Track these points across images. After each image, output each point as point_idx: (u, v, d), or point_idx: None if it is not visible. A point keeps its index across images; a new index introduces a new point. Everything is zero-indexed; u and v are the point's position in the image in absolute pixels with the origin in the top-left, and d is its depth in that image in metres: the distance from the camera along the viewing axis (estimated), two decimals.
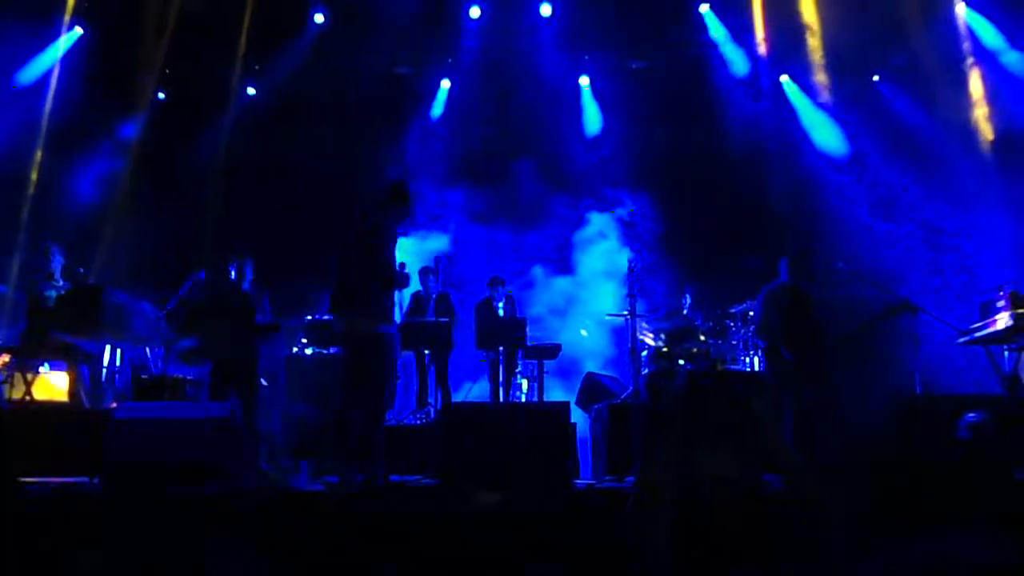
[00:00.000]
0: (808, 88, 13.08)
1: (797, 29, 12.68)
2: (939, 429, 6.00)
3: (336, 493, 6.42)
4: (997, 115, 11.73)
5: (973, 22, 12.11)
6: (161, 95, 13.18)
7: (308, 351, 9.81)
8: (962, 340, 8.35)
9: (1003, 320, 7.77)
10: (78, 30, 12.21)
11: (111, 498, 5.93)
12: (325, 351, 9.69)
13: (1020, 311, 7.65)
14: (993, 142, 11.61)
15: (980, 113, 11.86)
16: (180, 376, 8.41)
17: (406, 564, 5.66)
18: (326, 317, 9.99)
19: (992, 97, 11.83)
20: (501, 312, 10.25)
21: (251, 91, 13.54)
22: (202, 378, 8.52)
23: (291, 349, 9.86)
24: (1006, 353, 8.34)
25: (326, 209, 12.58)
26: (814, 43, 12.65)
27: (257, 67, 13.39)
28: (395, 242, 6.71)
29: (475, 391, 10.83)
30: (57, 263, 8.77)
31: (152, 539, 5.32)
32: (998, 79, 11.79)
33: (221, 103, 13.16)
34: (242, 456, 7.11)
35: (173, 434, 6.37)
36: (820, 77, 12.74)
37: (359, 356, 6.57)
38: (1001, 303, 7.91)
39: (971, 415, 5.52)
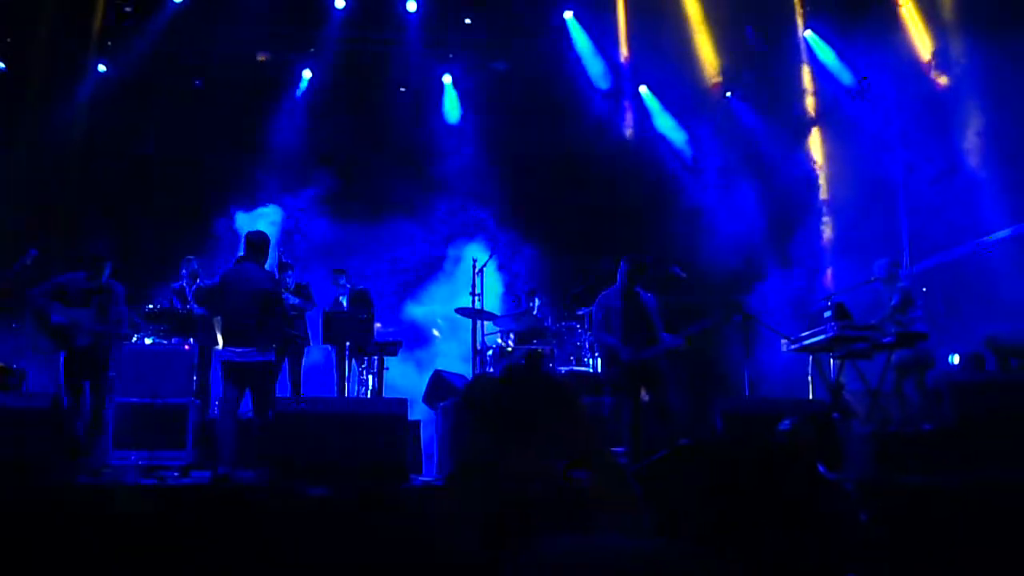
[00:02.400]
0: (664, 98, 13.48)
1: (656, 43, 13.06)
2: (760, 433, 6.26)
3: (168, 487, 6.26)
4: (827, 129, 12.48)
5: (815, 45, 12.79)
6: (1, 65, 12.47)
7: (148, 340, 9.48)
8: (790, 348, 8.73)
9: (829, 330, 8.14)
10: None
11: None
12: (165, 342, 9.39)
13: (843, 321, 8.03)
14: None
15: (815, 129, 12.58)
16: (1, 365, 8.00)
17: (232, 557, 5.56)
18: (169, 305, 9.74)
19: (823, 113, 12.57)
20: (344, 305, 10.16)
21: (101, 68, 12.96)
22: (23, 368, 8.16)
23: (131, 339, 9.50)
24: (831, 361, 8.75)
25: (177, 194, 12.26)
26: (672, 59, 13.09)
27: (109, 43, 12.85)
28: None
29: None
30: None
31: None
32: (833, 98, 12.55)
33: (70, 79, 12.58)
34: (67, 449, 6.85)
35: None
36: (674, 90, 13.20)
37: None
38: (828, 313, 8.30)
39: (787, 420, 5.76)
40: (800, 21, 13.02)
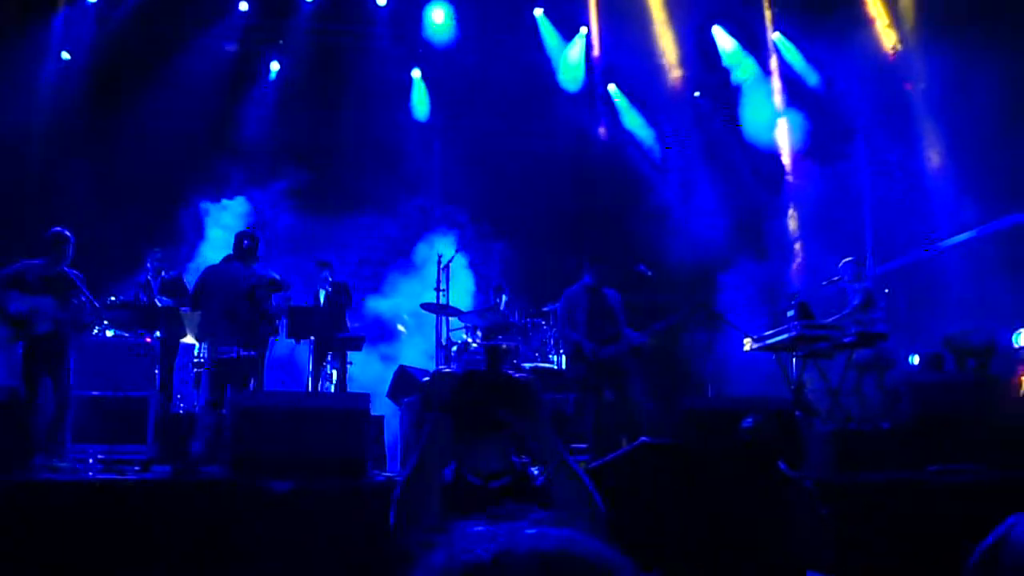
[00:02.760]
0: (633, 96, 13.55)
1: (626, 43, 13.14)
2: (723, 430, 6.30)
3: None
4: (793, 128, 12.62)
5: (783, 48, 12.92)
6: None
7: (109, 333, 9.36)
8: (752, 346, 8.80)
9: (791, 329, 8.22)
10: None
11: None
12: (127, 335, 9.27)
13: (805, 321, 8.12)
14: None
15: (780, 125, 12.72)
16: None
17: (189, 554, 5.52)
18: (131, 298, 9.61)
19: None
20: (322, 299, 10.07)
21: (65, 55, 12.78)
22: None
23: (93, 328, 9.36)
24: (794, 360, 8.83)
25: (140, 185, 12.11)
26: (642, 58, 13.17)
27: (73, 32, 12.67)
28: None
29: None
30: None
31: None
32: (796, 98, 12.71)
33: (32, 67, 12.40)
34: (24, 444, 6.74)
35: None
36: (645, 89, 13.27)
37: None
38: (791, 312, 8.38)
39: (749, 418, 5.81)
40: (768, 23, 13.13)
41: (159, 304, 9.52)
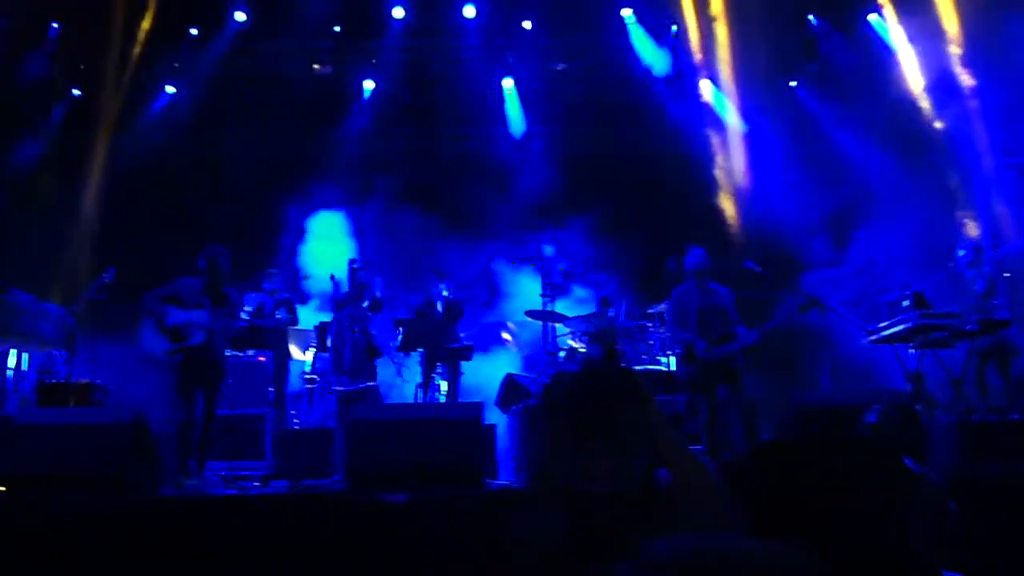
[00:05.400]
0: (728, 90, 13.31)
1: (715, 35, 12.93)
2: (842, 426, 6.12)
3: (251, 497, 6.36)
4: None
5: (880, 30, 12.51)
6: (76, 91, 12.85)
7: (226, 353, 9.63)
8: (869, 339, 8.55)
9: (908, 320, 7.97)
10: None
11: (12, 508, 5.75)
12: (241, 354, 9.53)
13: (922, 310, 7.85)
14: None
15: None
16: (87, 381, 8.19)
17: (319, 569, 5.63)
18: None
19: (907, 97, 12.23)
20: (439, 310, 10.05)
21: (170, 89, 13.28)
22: (109, 383, 8.32)
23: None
24: (911, 351, 8.54)
25: (251, 209, 12.49)
26: (725, 51, 12.93)
27: (176, 65, 13.16)
28: None
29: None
30: None
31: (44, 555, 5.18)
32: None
33: (138, 100, 12.92)
34: (152, 463, 6.95)
35: (75, 441, 6.17)
36: (734, 82, 13.02)
37: None
38: (906, 303, 8.12)
39: (871, 413, 5.63)
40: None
41: (275, 322, 9.73)
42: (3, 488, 5.98)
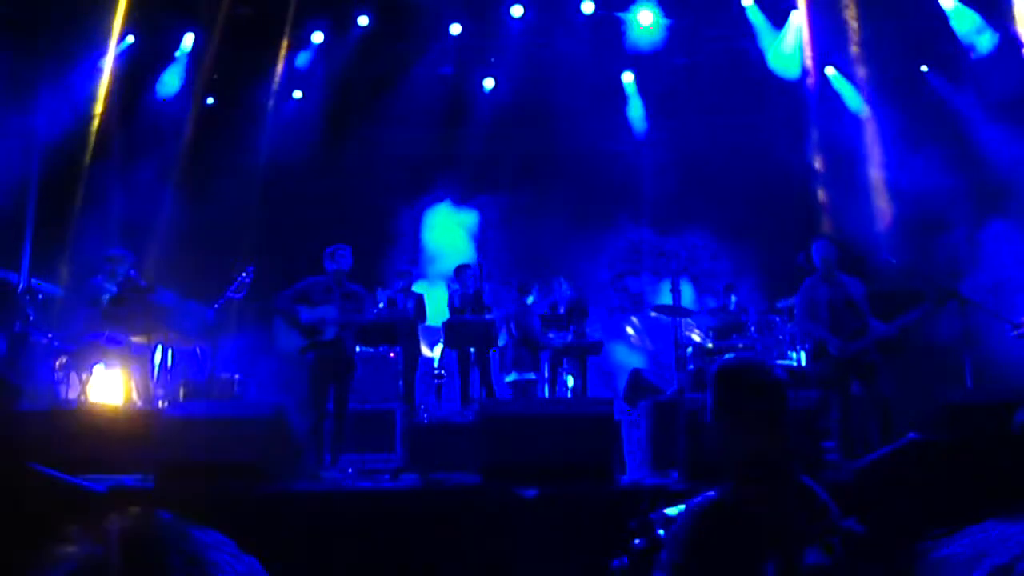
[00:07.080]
0: (854, 79, 12.88)
1: (841, 21, 12.51)
2: (991, 424, 5.86)
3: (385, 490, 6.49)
4: None
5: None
6: (210, 100, 13.38)
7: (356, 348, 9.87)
8: (1016, 332, 8.16)
9: None
10: (130, 39, 12.38)
11: (161, 496, 6.02)
12: (371, 349, 9.75)
13: None
14: None
15: None
16: (228, 375, 8.52)
17: (453, 562, 5.71)
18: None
19: None
20: (561, 310, 10.11)
21: (297, 94, 13.68)
22: (248, 377, 8.62)
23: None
24: None
25: (378, 213, 12.79)
26: (856, 36, 12.49)
27: (303, 70, 13.55)
28: None
29: None
30: (123, 269, 8.69)
31: None
32: None
33: (264, 106, 13.35)
34: (291, 456, 7.16)
35: (221, 433, 6.42)
36: (863, 69, 12.56)
37: None
38: None
39: (1022, 410, 5.37)
40: None
41: (403, 316, 9.94)
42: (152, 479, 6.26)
